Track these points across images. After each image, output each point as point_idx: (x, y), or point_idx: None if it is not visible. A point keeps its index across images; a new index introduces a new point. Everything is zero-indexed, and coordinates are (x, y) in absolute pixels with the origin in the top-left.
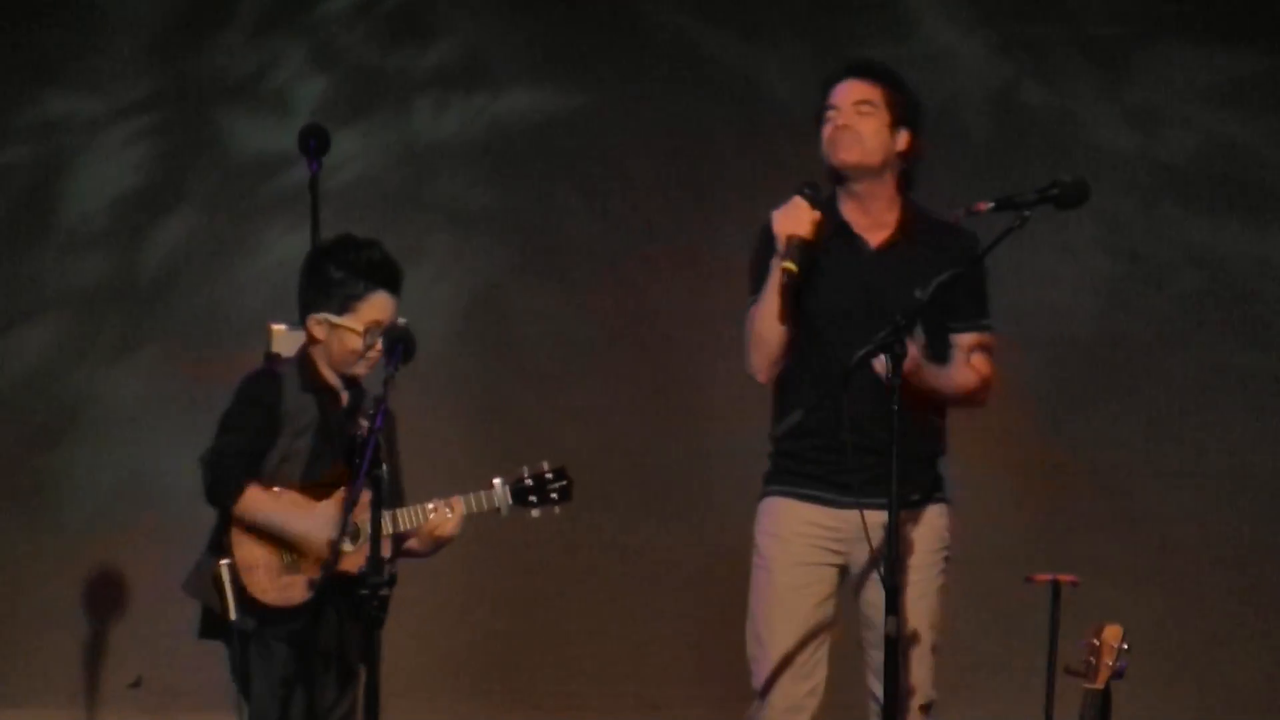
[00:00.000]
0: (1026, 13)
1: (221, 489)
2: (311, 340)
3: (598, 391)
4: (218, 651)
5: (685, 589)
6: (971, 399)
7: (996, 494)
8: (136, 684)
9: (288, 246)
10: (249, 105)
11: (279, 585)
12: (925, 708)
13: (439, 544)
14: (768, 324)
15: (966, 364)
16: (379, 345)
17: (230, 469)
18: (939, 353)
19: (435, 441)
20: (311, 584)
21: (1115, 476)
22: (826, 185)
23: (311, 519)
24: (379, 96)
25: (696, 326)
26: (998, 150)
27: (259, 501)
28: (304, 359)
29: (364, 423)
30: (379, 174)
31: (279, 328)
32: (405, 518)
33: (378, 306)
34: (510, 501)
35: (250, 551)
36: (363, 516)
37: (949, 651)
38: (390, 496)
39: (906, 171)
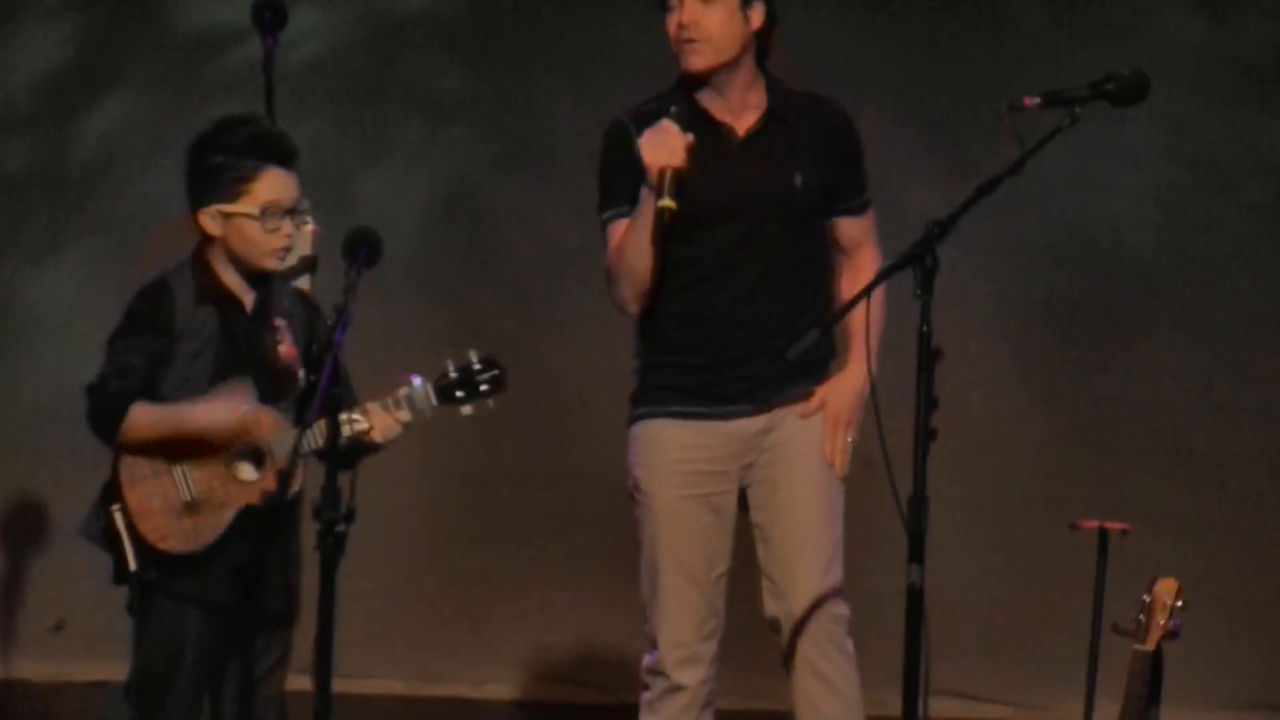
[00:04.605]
0: None
1: (104, 415)
2: (206, 239)
3: (583, 305)
4: None
5: None
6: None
7: (1036, 431)
8: (58, 627)
9: None
10: None
11: (180, 529)
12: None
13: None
14: (641, 258)
15: (857, 275)
16: (285, 229)
17: (114, 393)
18: (811, 239)
19: (400, 360)
20: (221, 522)
21: (1172, 412)
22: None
23: (213, 410)
24: None
25: None
26: (1048, 40)
27: (145, 416)
28: (198, 263)
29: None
30: (342, 54)
31: None
32: (317, 435)
33: (272, 185)
34: (434, 401)
35: (144, 492)
36: (274, 436)
37: (982, 606)
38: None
39: (763, 46)
